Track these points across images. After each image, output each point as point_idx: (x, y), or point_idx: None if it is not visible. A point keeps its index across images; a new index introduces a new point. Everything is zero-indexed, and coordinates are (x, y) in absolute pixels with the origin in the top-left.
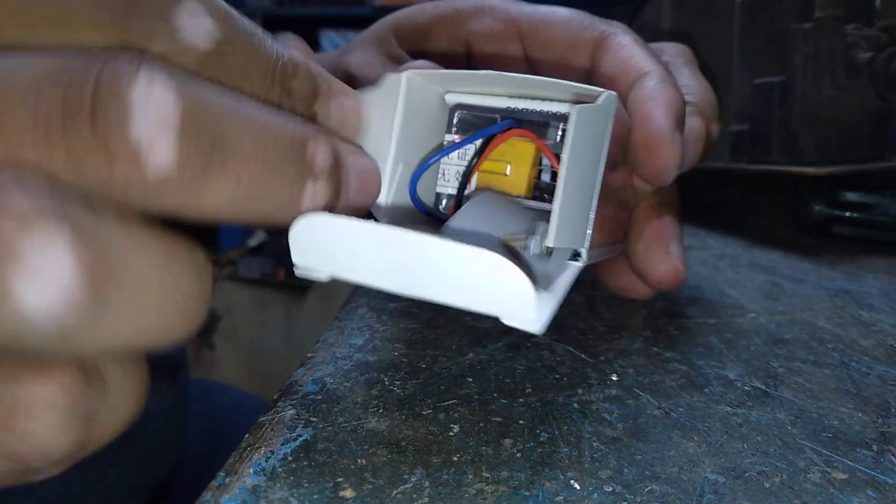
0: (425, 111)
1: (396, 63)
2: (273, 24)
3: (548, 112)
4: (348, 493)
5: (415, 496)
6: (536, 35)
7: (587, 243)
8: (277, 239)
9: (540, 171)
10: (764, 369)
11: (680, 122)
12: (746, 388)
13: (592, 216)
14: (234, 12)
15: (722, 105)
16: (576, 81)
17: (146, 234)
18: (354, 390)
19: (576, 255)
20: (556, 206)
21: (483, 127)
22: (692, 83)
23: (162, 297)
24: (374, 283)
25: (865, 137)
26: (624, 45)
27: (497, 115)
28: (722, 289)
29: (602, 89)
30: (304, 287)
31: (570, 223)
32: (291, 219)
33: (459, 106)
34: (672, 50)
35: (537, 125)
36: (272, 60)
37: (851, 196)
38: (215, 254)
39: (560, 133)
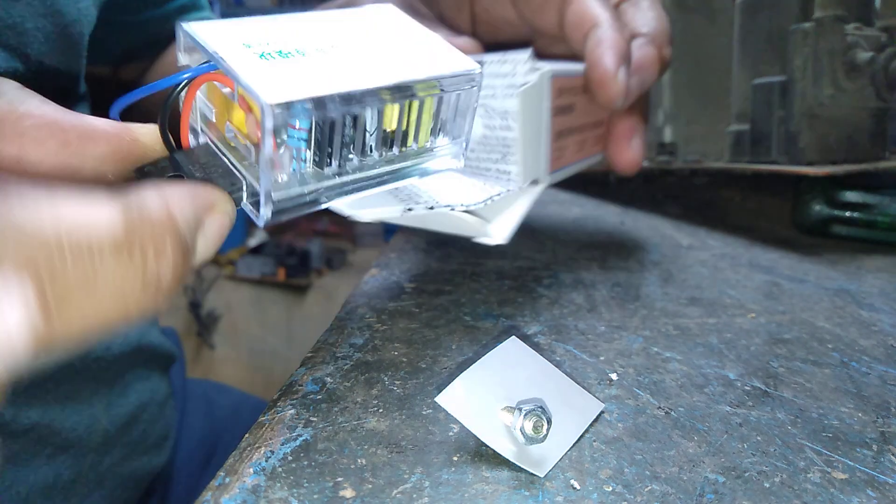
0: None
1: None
2: None
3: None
4: (348, 493)
5: (415, 496)
6: None
7: (545, 173)
8: (277, 239)
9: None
10: (764, 369)
11: (623, 61)
12: (746, 388)
13: (545, 155)
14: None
15: (721, 104)
16: (553, 32)
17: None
18: (354, 390)
19: (535, 181)
20: (517, 161)
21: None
22: (649, 14)
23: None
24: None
25: (865, 137)
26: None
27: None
28: (722, 289)
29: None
30: (304, 287)
31: (528, 166)
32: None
33: (188, 34)
34: None
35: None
36: (134, 259)
37: (851, 196)
38: (216, 254)
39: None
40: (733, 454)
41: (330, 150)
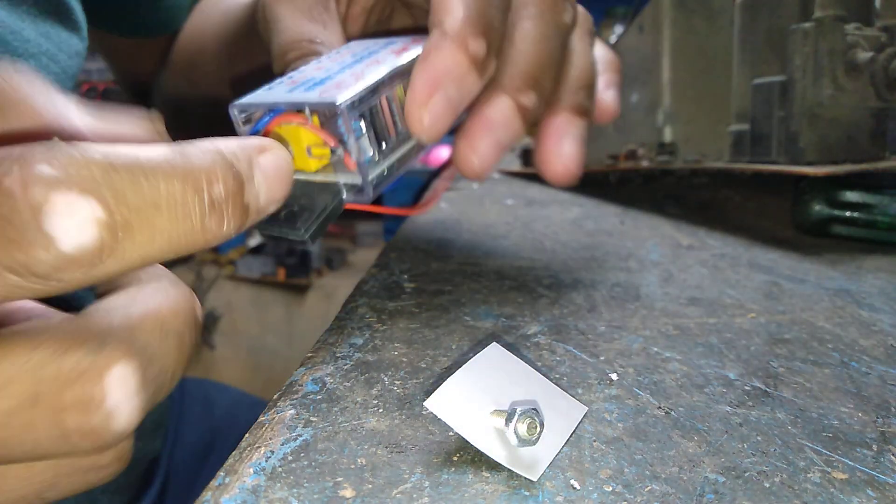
0: None
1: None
2: None
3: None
4: (348, 493)
5: (415, 496)
6: None
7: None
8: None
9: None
10: (764, 369)
11: (440, 86)
12: (746, 388)
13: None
14: (119, 156)
15: (721, 104)
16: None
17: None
18: (354, 390)
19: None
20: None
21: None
22: (521, 47)
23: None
24: None
25: (865, 137)
26: None
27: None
28: (722, 289)
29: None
30: (304, 287)
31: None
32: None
33: (241, 107)
34: None
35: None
36: (189, 183)
37: (851, 196)
38: (215, 254)
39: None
40: (733, 454)
41: (382, 127)
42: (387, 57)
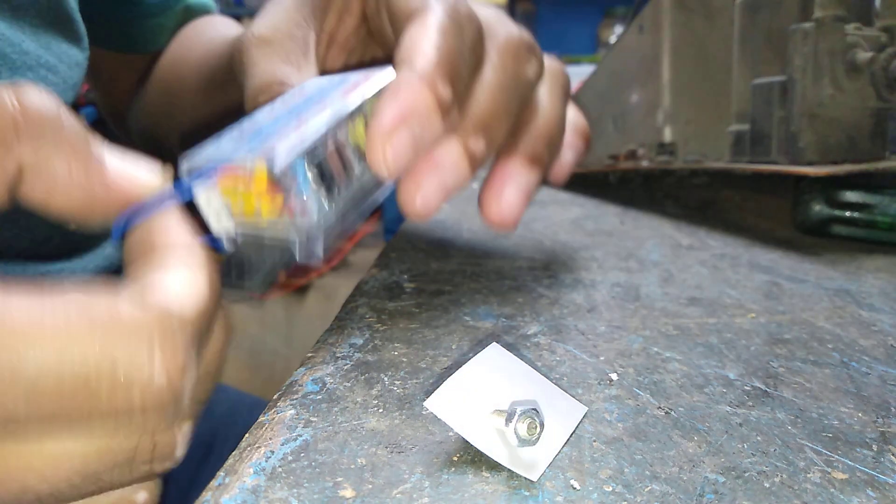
0: None
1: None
2: None
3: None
4: (348, 493)
5: (415, 496)
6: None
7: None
8: None
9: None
10: (764, 369)
11: (406, 121)
12: (746, 388)
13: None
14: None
15: (721, 104)
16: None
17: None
18: (354, 390)
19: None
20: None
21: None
22: (478, 95)
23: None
24: None
25: (865, 137)
26: (424, 24)
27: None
28: (722, 289)
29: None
30: (304, 287)
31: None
32: None
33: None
34: (501, 40)
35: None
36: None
37: (851, 196)
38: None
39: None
40: (733, 454)
41: (331, 175)
42: (335, 100)
